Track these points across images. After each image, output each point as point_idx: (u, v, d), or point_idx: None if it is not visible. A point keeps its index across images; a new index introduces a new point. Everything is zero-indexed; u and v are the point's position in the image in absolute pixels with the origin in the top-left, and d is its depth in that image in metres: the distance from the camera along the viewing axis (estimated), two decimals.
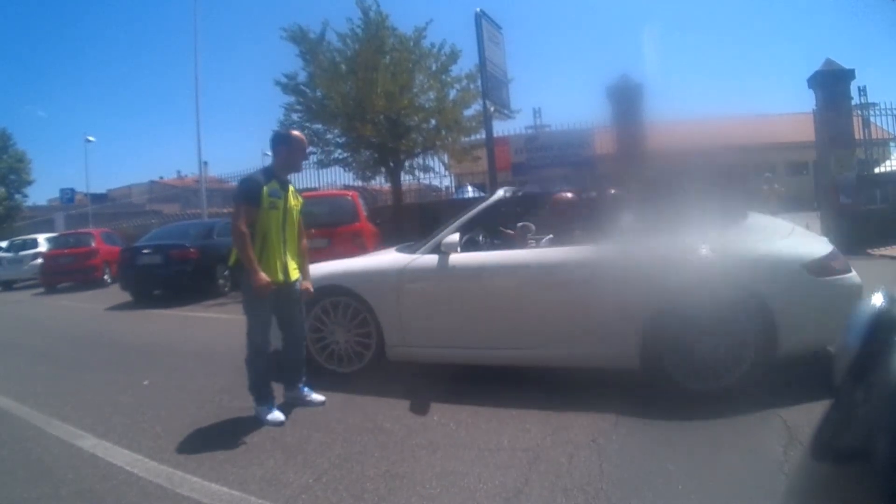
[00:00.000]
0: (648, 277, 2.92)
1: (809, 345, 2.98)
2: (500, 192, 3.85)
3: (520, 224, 4.20)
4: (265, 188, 2.92)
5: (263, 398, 2.99)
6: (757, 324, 2.79)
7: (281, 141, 3.07)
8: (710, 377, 2.82)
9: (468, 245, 3.59)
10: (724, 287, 2.81)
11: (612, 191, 4.14)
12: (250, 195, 2.89)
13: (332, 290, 3.56)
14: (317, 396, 3.17)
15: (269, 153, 3.21)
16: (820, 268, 2.93)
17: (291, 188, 3.12)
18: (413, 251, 3.57)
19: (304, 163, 3.22)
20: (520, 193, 4.17)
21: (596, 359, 3.09)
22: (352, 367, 3.57)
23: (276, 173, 3.04)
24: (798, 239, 3.24)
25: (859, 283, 3.00)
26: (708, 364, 2.81)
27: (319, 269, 3.68)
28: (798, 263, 2.92)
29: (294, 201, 3.09)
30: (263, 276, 2.84)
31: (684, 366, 2.85)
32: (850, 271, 3.06)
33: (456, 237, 3.34)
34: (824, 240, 3.40)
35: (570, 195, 3.85)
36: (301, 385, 3.19)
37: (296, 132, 3.22)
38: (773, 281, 2.86)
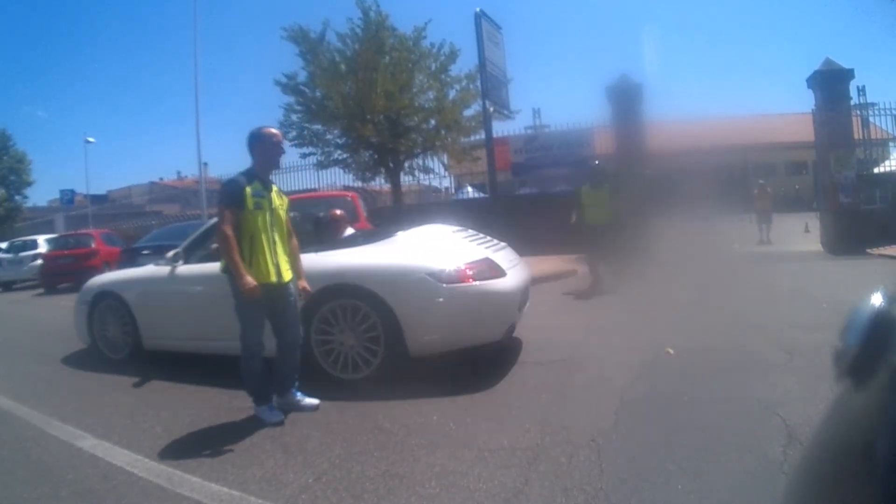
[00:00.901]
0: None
1: (437, 345, 3.36)
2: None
3: None
4: (248, 188, 2.88)
5: (262, 398, 2.98)
6: (384, 324, 3.25)
7: (255, 140, 3.02)
8: (351, 368, 3.38)
9: (209, 258, 3.96)
10: (354, 292, 3.32)
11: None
12: (234, 197, 2.86)
13: (104, 295, 4.48)
14: (310, 401, 3.09)
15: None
16: (445, 277, 3.28)
17: (275, 188, 3.09)
18: (157, 263, 4.33)
19: (281, 158, 3.14)
20: None
21: None
22: (118, 354, 4.38)
23: (258, 173, 3.01)
24: (440, 251, 3.53)
25: (497, 290, 3.35)
26: (348, 357, 3.38)
27: (101, 279, 4.75)
28: (423, 272, 3.30)
29: (279, 200, 3.05)
30: (250, 279, 2.78)
31: (329, 357, 3.42)
32: (487, 279, 3.34)
33: (175, 252, 4.12)
34: (483, 249, 3.68)
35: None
36: (294, 390, 3.11)
37: (268, 129, 3.10)
38: (396, 287, 3.29)
